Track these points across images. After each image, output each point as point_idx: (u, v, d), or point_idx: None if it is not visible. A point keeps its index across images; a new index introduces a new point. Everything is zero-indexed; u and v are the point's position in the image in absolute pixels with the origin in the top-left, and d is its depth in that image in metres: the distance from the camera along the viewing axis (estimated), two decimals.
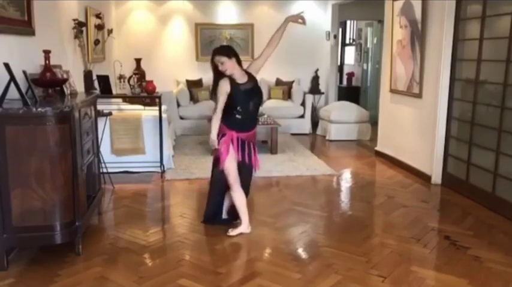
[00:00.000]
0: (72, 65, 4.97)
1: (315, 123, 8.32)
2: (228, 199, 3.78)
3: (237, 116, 3.46)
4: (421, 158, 5.31)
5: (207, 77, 8.16)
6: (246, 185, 3.68)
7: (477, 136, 4.54)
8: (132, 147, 5.31)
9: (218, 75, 3.46)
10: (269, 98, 8.38)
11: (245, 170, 3.62)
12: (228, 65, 3.41)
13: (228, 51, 3.47)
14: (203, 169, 5.57)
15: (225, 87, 3.41)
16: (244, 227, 3.63)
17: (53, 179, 2.99)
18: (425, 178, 5.19)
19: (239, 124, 3.50)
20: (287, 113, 8.04)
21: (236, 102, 3.43)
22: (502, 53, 4.08)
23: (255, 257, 3.25)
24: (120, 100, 5.84)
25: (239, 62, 3.49)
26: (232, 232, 3.59)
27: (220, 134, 3.50)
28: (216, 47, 3.56)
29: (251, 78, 3.54)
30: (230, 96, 3.42)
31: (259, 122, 6.42)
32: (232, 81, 3.43)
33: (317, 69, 8.63)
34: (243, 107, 3.45)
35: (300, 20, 3.68)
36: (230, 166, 3.51)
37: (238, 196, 3.59)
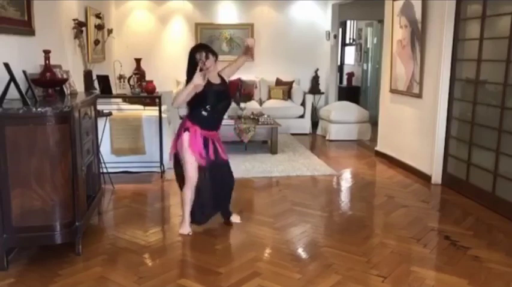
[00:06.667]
0: (72, 65, 4.97)
1: (315, 123, 8.32)
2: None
3: (203, 113, 3.51)
4: (421, 158, 5.31)
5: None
6: (226, 179, 3.72)
7: (477, 136, 4.54)
8: (132, 147, 5.30)
9: (193, 69, 3.45)
10: (269, 98, 8.38)
11: (217, 166, 3.62)
12: (212, 63, 3.50)
13: (214, 50, 3.55)
14: None
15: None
16: (186, 220, 3.63)
17: (53, 179, 2.99)
18: (425, 178, 5.19)
19: (203, 121, 3.53)
20: (287, 113, 8.04)
21: (207, 100, 3.49)
22: (502, 53, 4.08)
23: (255, 257, 3.24)
24: (120, 100, 5.84)
25: (216, 62, 3.56)
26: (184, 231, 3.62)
27: (183, 128, 3.52)
28: (201, 43, 3.62)
29: (223, 82, 3.63)
30: (202, 94, 3.45)
31: (259, 122, 6.46)
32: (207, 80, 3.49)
33: (317, 69, 8.63)
34: (212, 106, 3.52)
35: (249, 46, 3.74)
36: (190, 160, 3.50)
37: (188, 193, 3.59)
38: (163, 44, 8.57)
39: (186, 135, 3.49)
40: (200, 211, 3.68)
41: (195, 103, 3.49)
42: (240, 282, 2.88)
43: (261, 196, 4.75)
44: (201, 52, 3.46)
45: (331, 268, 3.07)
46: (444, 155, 5.02)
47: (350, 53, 11.27)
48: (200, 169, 3.58)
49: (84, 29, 5.61)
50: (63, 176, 3.03)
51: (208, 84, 3.48)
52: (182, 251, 3.36)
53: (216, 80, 3.56)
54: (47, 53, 3.36)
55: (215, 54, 3.53)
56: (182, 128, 3.53)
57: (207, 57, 3.46)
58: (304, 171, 5.58)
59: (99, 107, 4.41)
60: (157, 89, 5.67)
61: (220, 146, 3.69)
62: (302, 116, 8.20)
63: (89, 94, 4.10)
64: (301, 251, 3.43)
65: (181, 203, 3.72)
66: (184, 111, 3.73)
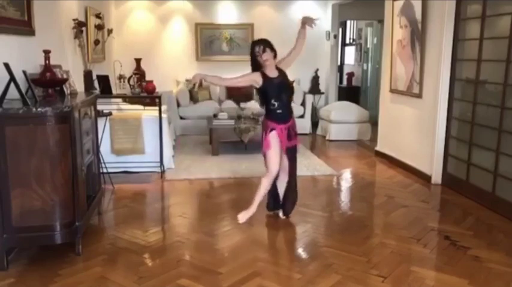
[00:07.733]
0: (72, 65, 4.96)
1: (315, 123, 8.32)
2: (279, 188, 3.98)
3: (278, 111, 3.71)
4: (421, 158, 5.31)
5: None
6: (292, 172, 3.93)
7: (477, 136, 4.54)
8: (132, 147, 5.31)
9: (253, 60, 3.73)
10: None
11: (290, 154, 3.86)
12: (270, 57, 3.70)
13: (272, 45, 3.76)
14: (203, 169, 5.58)
15: (255, 77, 3.70)
16: (253, 209, 3.84)
17: (53, 179, 2.99)
18: (425, 178, 5.19)
19: (281, 117, 3.74)
20: None
21: (270, 95, 3.71)
22: (502, 53, 4.08)
23: (255, 257, 3.24)
24: (120, 100, 5.84)
25: (275, 57, 3.76)
26: (243, 219, 3.84)
27: (269, 129, 3.73)
28: (262, 38, 3.85)
29: (281, 73, 3.79)
30: (264, 90, 3.71)
31: (259, 122, 6.45)
32: (264, 75, 3.69)
33: (317, 69, 8.63)
34: (278, 99, 3.71)
35: (312, 25, 3.94)
36: (273, 156, 3.73)
37: (266, 184, 3.81)
38: (163, 44, 8.57)
39: (272, 135, 3.71)
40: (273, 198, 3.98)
41: (265, 103, 3.76)
42: (240, 282, 2.88)
43: None
44: (259, 46, 3.69)
45: (331, 268, 3.07)
46: (444, 155, 5.02)
47: (350, 53, 11.27)
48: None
49: (84, 29, 5.61)
50: (63, 176, 3.03)
51: (267, 78, 3.70)
52: (182, 251, 3.36)
53: (273, 74, 3.73)
54: (47, 53, 3.36)
55: (273, 49, 3.73)
56: (268, 129, 3.73)
57: (264, 51, 3.66)
58: (304, 171, 5.57)
59: (99, 107, 4.41)
60: (157, 89, 5.67)
61: (293, 130, 3.87)
62: (302, 116, 8.19)
63: (89, 94, 4.10)
64: (301, 251, 3.43)
65: (256, 192, 3.84)
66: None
